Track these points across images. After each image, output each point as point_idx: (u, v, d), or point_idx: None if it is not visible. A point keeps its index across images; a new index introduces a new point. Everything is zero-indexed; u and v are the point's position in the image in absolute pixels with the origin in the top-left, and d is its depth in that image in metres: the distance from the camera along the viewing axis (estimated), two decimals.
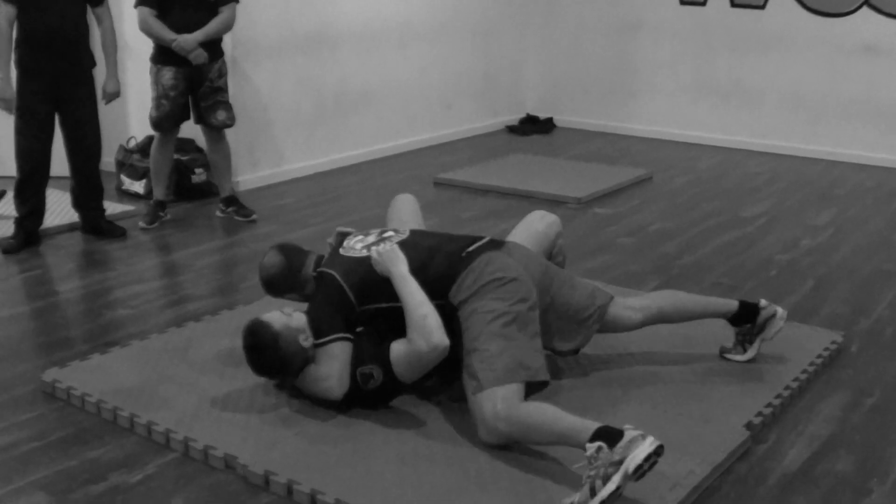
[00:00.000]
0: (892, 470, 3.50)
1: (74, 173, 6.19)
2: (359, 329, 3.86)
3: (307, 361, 3.75)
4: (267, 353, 3.72)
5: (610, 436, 3.12)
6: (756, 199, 7.38)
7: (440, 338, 3.59)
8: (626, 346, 4.43)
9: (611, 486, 3.02)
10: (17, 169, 5.99)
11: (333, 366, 3.71)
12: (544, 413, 3.37)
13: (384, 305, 3.83)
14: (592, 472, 3.07)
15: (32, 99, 5.82)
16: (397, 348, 3.66)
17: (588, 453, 3.11)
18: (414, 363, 3.63)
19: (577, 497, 3.07)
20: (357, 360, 3.70)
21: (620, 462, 3.04)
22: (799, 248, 6.10)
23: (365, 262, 3.91)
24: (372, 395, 3.73)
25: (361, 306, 3.84)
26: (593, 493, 3.03)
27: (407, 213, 4.46)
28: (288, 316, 3.75)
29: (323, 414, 3.76)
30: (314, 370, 3.74)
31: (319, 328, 3.76)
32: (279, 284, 4.12)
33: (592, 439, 3.14)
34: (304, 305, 3.98)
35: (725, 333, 4.40)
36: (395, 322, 3.75)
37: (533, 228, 4.25)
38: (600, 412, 3.79)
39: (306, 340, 3.72)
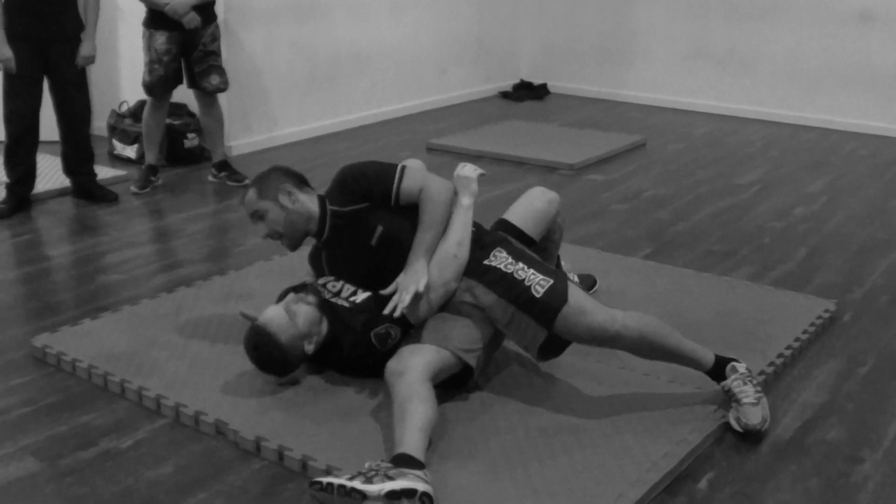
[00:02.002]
0: (884, 439, 3.51)
1: (64, 138, 6.17)
2: (360, 300, 3.82)
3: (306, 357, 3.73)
4: (271, 363, 3.67)
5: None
6: (750, 166, 7.37)
7: (454, 279, 3.64)
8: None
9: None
10: (5, 133, 5.97)
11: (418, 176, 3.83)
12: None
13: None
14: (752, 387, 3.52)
15: (20, 63, 5.78)
16: None
17: (740, 372, 3.53)
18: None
19: (760, 413, 3.47)
20: (368, 325, 3.67)
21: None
22: (793, 216, 6.09)
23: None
24: (385, 359, 3.66)
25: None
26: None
27: None
28: (293, 319, 3.62)
29: (314, 381, 3.75)
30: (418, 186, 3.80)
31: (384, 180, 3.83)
32: None
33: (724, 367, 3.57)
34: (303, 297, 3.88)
35: (723, 302, 4.39)
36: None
37: (533, 206, 4.14)
38: (595, 380, 3.79)
39: (310, 345, 3.65)
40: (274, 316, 3.63)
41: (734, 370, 3.53)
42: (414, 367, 3.38)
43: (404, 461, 3.00)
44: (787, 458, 3.37)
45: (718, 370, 3.56)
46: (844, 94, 8.72)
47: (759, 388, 3.51)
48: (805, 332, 4.27)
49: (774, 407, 3.68)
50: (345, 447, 3.30)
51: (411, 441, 3.10)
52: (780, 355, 4.03)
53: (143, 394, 3.68)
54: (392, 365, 3.44)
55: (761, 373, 3.85)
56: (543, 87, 10.32)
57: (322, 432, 3.40)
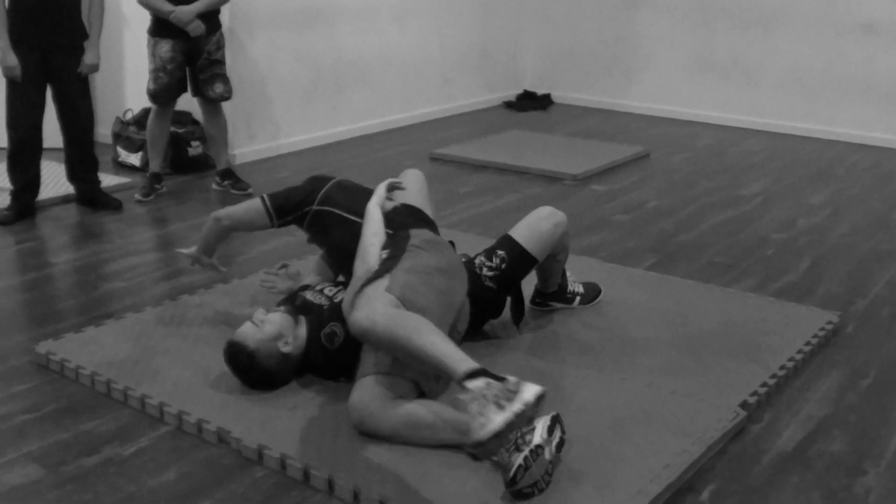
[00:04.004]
0: (886, 451, 3.50)
1: (68, 145, 6.18)
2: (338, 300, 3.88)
3: (296, 360, 3.77)
4: (249, 374, 3.72)
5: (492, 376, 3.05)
6: (753, 177, 7.37)
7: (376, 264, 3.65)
8: (619, 322, 4.42)
9: (516, 406, 2.93)
10: (8, 140, 5.97)
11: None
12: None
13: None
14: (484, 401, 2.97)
15: (23, 70, 5.79)
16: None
17: (473, 385, 3.00)
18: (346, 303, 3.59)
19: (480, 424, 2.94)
20: (319, 325, 3.75)
21: (516, 393, 2.97)
22: (796, 228, 6.09)
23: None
24: (343, 358, 3.71)
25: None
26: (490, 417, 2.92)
27: (414, 189, 4.41)
28: (259, 326, 3.69)
29: (316, 389, 3.75)
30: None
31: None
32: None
33: (473, 377, 3.03)
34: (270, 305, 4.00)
35: (726, 314, 4.39)
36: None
37: (539, 227, 4.14)
38: (592, 389, 3.79)
39: (286, 346, 3.71)
40: (242, 328, 3.74)
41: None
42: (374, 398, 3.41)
43: (480, 373, 3.04)
44: (789, 470, 3.37)
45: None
46: (847, 105, 8.73)
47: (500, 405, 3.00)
48: (808, 343, 4.27)
49: (777, 419, 3.68)
50: (346, 456, 3.30)
51: (455, 356, 3.13)
52: (782, 367, 4.03)
53: (146, 401, 3.68)
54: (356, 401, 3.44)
55: (764, 385, 3.86)
56: (547, 97, 10.33)
57: (324, 441, 3.40)
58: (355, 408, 3.41)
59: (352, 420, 3.44)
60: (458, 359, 3.12)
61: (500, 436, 2.92)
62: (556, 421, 3.20)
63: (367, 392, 3.41)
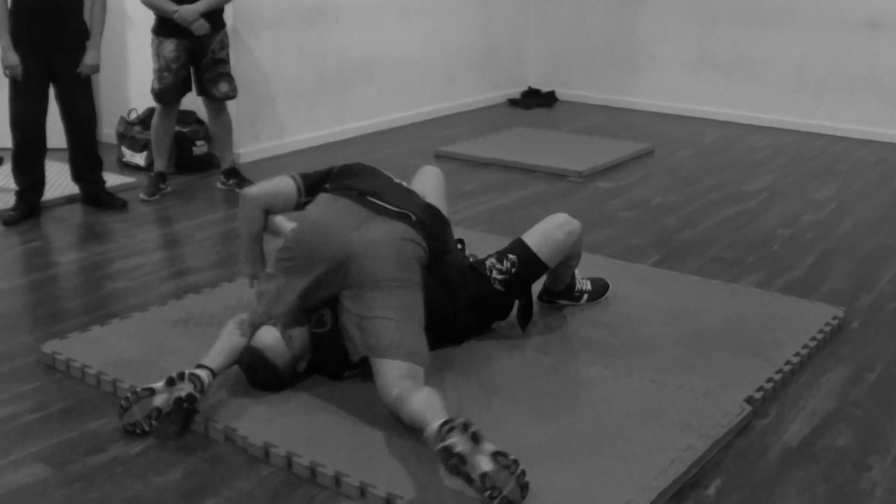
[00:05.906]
0: (892, 445, 3.50)
1: (71, 145, 6.18)
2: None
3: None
4: (268, 386, 3.74)
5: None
6: (758, 173, 7.36)
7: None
8: (625, 318, 4.42)
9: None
10: (12, 141, 5.98)
11: None
12: None
13: None
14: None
15: (25, 70, 5.79)
16: None
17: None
18: None
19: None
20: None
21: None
22: (801, 223, 6.09)
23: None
24: (333, 342, 3.75)
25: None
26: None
27: (429, 186, 4.40)
28: (289, 344, 3.71)
29: (322, 387, 3.76)
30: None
31: None
32: None
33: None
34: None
35: (731, 309, 4.39)
36: None
37: (553, 235, 4.12)
38: (603, 386, 3.79)
39: (303, 362, 3.78)
40: (271, 342, 3.71)
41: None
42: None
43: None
44: (795, 465, 3.37)
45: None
46: (852, 100, 8.72)
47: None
48: (813, 338, 4.27)
49: (782, 414, 3.68)
50: (353, 453, 3.30)
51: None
52: (787, 362, 4.03)
53: None
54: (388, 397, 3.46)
55: (769, 380, 3.85)
56: (551, 94, 10.33)
57: (330, 438, 3.40)
58: (387, 391, 3.44)
59: (386, 400, 3.44)
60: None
61: None
62: (465, 428, 3.02)
63: (392, 377, 3.45)
